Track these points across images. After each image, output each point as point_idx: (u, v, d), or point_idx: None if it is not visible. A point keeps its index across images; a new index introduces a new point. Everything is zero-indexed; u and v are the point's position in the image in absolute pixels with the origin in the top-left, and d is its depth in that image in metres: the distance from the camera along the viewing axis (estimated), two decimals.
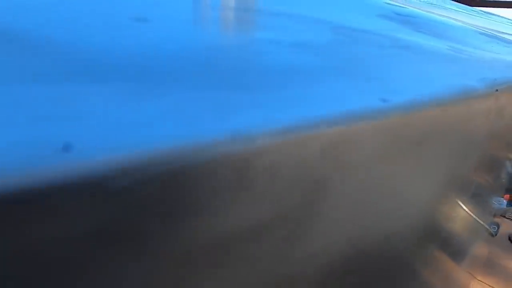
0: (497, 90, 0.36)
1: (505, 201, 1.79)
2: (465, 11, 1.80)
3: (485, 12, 2.44)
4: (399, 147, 0.27)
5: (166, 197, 0.18)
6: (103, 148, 0.16)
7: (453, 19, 1.06)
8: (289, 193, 0.22)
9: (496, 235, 1.93)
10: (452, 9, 1.63)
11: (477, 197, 0.86)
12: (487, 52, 0.56)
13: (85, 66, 0.22)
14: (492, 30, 0.96)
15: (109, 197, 0.16)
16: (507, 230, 2.12)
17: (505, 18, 2.16)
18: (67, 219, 0.16)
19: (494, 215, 1.69)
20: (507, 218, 2.27)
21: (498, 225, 1.88)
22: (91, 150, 0.16)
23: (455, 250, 0.94)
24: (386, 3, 0.88)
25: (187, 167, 0.18)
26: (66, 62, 0.22)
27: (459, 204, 0.69)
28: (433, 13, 1.05)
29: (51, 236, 0.16)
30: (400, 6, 0.89)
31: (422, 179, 0.37)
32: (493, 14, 2.27)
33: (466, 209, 0.79)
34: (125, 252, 0.18)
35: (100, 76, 0.21)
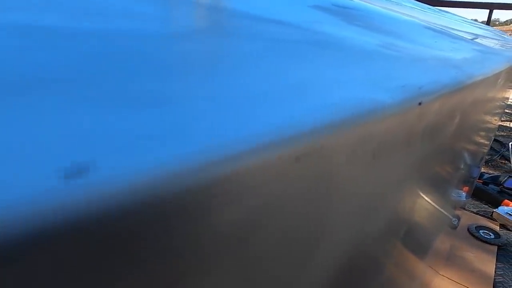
0: (420, 104, 0.26)
1: (464, 193, 1.78)
2: (422, 9, 1.74)
3: (443, 10, 2.41)
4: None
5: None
6: None
7: (405, 14, 0.98)
8: None
9: (457, 227, 1.92)
10: (408, 6, 1.56)
11: (438, 190, 0.80)
12: (426, 48, 0.46)
13: None
14: (442, 26, 0.87)
15: None
16: (467, 222, 2.11)
17: (461, 16, 2.13)
18: None
19: (455, 208, 1.67)
20: (467, 210, 2.28)
21: (459, 218, 1.87)
22: None
23: (418, 245, 0.89)
24: None
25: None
26: None
27: (420, 198, 0.63)
28: (385, 8, 0.96)
29: None
30: None
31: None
32: (450, 13, 2.24)
33: (428, 203, 0.73)
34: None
35: None
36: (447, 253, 1.84)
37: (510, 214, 2.05)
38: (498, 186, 2.47)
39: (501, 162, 3.77)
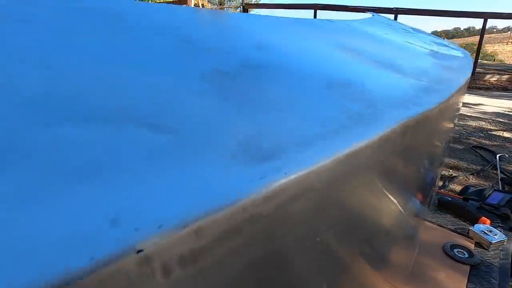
0: (140, 251, 0.17)
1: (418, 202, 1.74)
2: (392, 33, 1.71)
3: (415, 30, 2.37)
4: None
5: None
6: None
7: (349, 50, 0.97)
8: None
9: (414, 237, 1.87)
10: (380, 35, 1.55)
11: (401, 196, 0.74)
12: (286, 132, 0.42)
13: None
14: (379, 63, 0.85)
15: None
16: (442, 240, 2.06)
17: (431, 35, 2.10)
18: None
19: (411, 218, 1.64)
20: (444, 228, 2.23)
21: (415, 228, 1.82)
22: None
23: (374, 260, 0.81)
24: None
25: None
26: None
27: (384, 203, 0.57)
28: (339, 47, 0.96)
29: None
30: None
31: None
32: (420, 34, 2.21)
33: (393, 208, 0.68)
34: None
35: None
36: (419, 272, 1.80)
37: (485, 233, 2.01)
38: (478, 202, 2.42)
39: (493, 173, 3.69)
